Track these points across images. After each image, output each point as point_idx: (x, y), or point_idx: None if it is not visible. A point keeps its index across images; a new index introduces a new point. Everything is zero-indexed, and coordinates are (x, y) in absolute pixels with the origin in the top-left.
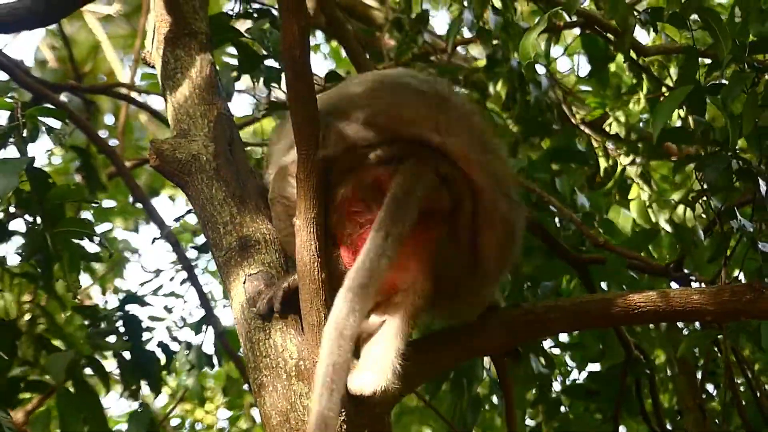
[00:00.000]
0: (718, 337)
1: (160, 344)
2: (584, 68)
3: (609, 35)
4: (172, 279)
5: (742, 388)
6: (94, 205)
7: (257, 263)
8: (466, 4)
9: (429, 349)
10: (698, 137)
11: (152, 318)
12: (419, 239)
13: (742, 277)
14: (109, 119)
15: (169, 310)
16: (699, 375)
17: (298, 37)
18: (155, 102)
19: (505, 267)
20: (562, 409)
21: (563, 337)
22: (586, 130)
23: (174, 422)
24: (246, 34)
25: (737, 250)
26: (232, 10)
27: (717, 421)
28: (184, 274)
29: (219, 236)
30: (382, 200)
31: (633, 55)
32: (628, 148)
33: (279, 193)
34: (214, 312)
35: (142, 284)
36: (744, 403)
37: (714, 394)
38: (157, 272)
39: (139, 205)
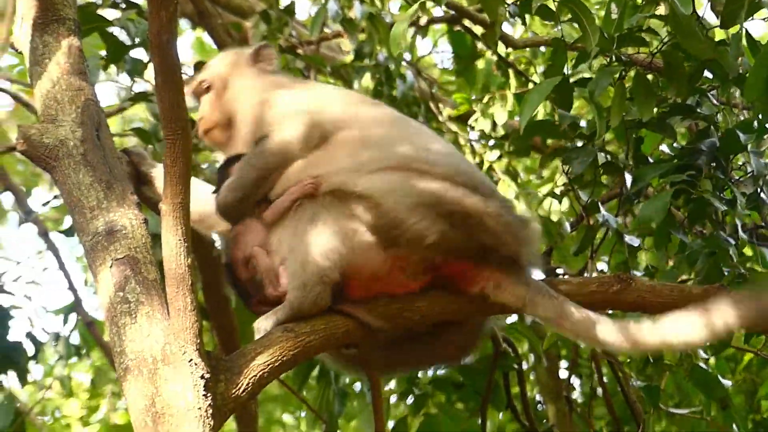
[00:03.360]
0: None
1: (29, 335)
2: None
3: (477, 29)
4: (33, 267)
5: (605, 379)
6: None
7: (124, 248)
8: None
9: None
10: (565, 131)
11: (13, 307)
12: None
13: (607, 270)
14: None
15: (29, 299)
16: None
17: (165, 22)
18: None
19: None
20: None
21: None
22: (453, 126)
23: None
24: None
25: (604, 243)
26: None
27: (578, 410)
28: (44, 264)
29: (86, 221)
30: None
31: (502, 47)
32: (495, 144)
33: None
34: (81, 300)
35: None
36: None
37: (577, 385)
38: (18, 263)
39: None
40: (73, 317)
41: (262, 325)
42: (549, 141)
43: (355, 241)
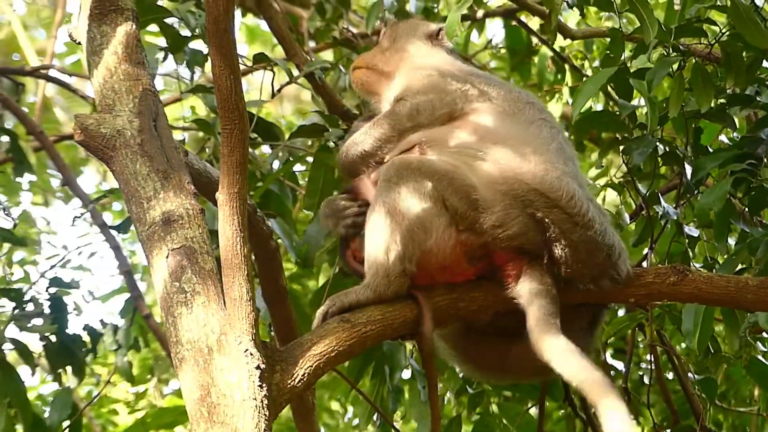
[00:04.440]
0: (645, 321)
1: (86, 327)
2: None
3: (533, 24)
4: (80, 252)
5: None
6: None
7: (180, 238)
8: None
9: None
10: (623, 121)
11: (62, 292)
12: None
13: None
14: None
15: (77, 286)
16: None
17: (223, 11)
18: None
19: None
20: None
21: None
22: None
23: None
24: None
25: (663, 234)
26: None
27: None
28: (91, 249)
29: (143, 211)
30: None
31: (558, 41)
32: None
33: None
34: (140, 292)
35: (48, 258)
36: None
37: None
38: (65, 248)
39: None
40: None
41: (338, 302)
42: (604, 134)
43: (435, 225)
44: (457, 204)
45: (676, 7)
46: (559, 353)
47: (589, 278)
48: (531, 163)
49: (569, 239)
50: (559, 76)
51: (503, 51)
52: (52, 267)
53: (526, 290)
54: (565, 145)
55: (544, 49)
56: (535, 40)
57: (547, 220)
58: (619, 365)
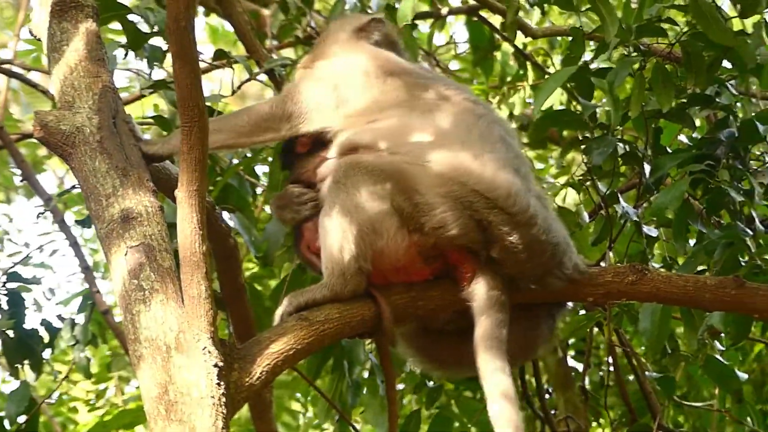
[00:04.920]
0: (603, 320)
1: (44, 322)
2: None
3: (495, 20)
4: (41, 250)
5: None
6: None
7: (139, 235)
8: None
9: None
10: (584, 121)
11: (24, 289)
12: None
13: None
14: None
15: (38, 282)
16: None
17: (183, 9)
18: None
19: None
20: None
21: None
22: None
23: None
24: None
25: (622, 233)
26: None
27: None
28: (53, 246)
29: (102, 208)
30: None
31: (520, 38)
32: None
33: None
34: (98, 288)
35: (9, 255)
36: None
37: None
38: (27, 245)
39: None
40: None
41: (294, 301)
42: (565, 132)
43: (386, 226)
44: (404, 205)
45: (634, 6)
46: (489, 377)
47: (533, 278)
48: (469, 163)
49: (510, 239)
50: (521, 72)
51: (464, 49)
52: (15, 264)
53: (477, 295)
54: (508, 139)
55: (506, 46)
56: (497, 36)
57: (486, 220)
58: (581, 367)
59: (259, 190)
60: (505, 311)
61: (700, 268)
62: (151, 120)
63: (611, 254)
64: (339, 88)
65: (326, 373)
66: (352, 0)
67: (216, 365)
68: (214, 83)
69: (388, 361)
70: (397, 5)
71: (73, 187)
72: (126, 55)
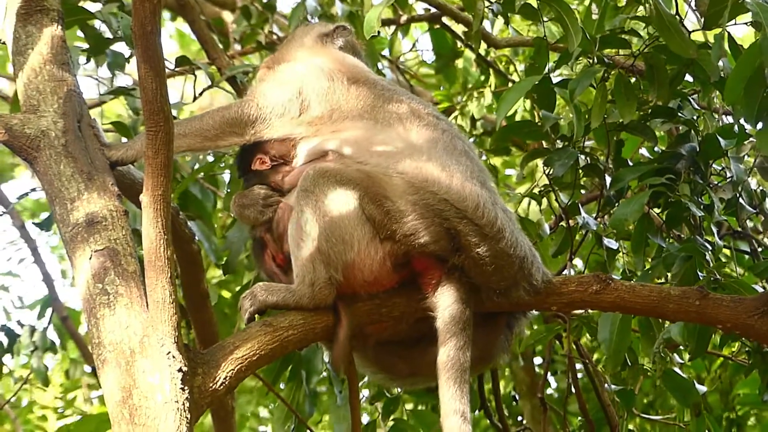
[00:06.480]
0: (563, 332)
1: (3, 328)
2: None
3: (458, 28)
4: (9, 259)
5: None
6: None
7: (104, 239)
8: None
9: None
10: (546, 132)
11: None
12: None
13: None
14: None
15: (6, 290)
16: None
17: (149, 14)
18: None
19: None
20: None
21: None
22: None
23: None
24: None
25: (583, 245)
26: None
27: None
28: (21, 254)
29: (66, 212)
30: None
31: (483, 46)
32: (474, 141)
33: None
34: (57, 294)
35: None
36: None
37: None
38: None
39: None
40: (48, 310)
41: (261, 296)
42: (528, 141)
43: (357, 236)
44: (375, 212)
45: (596, 17)
46: (448, 403)
47: (499, 290)
48: (438, 173)
49: (477, 251)
50: (482, 78)
51: (427, 55)
52: None
53: (441, 306)
54: (471, 153)
55: (468, 52)
56: (460, 43)
57: (455, 229)
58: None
59: (219, 205)
60: (468, 328)
61: (659, 281)
62: (110, 125)
63: (573, 265)
64: (302, 93)
65: (284, 381)
66: (312, 5)
67: (180, 370)
68: (176, 91)
69: (353, 368)
70: (360, 11)
71: (33, 189)
72: (88, 60)
